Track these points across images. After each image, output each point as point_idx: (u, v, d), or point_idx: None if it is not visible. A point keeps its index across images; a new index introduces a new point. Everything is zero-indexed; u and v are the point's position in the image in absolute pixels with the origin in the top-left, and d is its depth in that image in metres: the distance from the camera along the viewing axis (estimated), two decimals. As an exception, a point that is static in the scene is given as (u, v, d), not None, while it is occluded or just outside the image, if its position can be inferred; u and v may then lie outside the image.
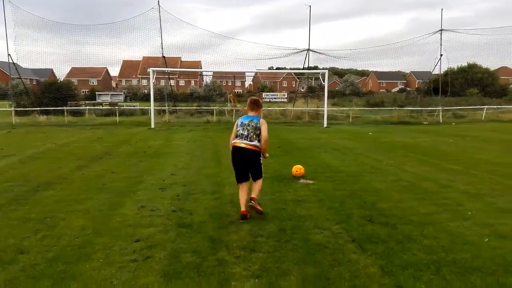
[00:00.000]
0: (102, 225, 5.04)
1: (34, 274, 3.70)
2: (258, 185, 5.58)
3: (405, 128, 21.31)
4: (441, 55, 29.24)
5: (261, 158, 5.63)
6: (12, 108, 26.06)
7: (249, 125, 5.44)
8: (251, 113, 5.62)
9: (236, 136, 5.48)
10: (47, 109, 26.53)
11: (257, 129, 5.42)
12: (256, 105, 5.69)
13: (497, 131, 18.92)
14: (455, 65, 48.48)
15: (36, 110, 26.68)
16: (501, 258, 3.94)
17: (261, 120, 5.55)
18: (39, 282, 3.53)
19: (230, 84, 65.61)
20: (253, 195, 5.44)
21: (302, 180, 7.65)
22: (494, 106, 30.29)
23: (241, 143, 5.40)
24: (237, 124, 5.58)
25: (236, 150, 5.46)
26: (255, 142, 5.40)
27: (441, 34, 29.13)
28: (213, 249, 4.21)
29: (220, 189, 6.95)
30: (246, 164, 5.51)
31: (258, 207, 5.36)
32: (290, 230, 4.81)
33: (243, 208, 5.35)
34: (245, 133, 5.42)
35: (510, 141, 14.27)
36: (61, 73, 36.31)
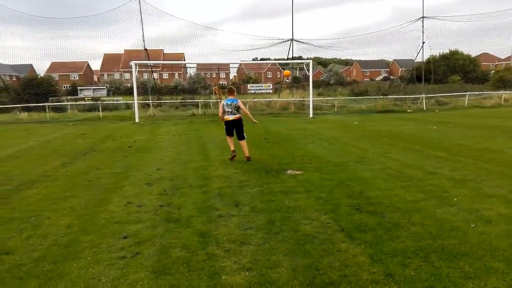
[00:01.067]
0: (89, 223, 4.96)
1: (20, 274, 3.63)
2: (244, 145, 8.99)
3: (389, 116, 21.51)
4: (423, 42, 29.56)
5: (243, 124, 9.07)
6: (-8, 106, 25.50)
7: (231, 105, 8.92)
8: (230, 97, 9.05)
9: (225, 112, 8.95)
10: (28, 106, 26.01)
11: (237, 107, 8.92)
12: (232, 91, 9.27)
13: (480, 117, 19.23)
14: (437, 52, 49.12)
15: (17, 107, 26.15)
16: (488, 243, 4.00)
17: (239, 101, 9.06)
18: (26, 283, 3.47)
19: (214, 76, 65.29)
20: (247, 154, 8.89)
21: (289, 171, 7.65)
22: (476, 93, 30.76)
23: (230, 117, 8.94)
24: (223, 105, 8.98)
25: (229, 122, 8.98)
26: (237, 114, 8.96)
27: (422, 21, 29.40)
28: (202, 244, 4.19)
29: (208, 183, 6.91)
30: (235, 127, 9.02)
31: (249, 159, 8.81)
32: (279, 222, 4.81)
33: (232, 148, 9.00)
34: (230, 110, 8.92)
35: (493, 127, 14.52)
36: (41, 69, 35.72)
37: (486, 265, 3.53)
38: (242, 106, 9.00)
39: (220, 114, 9.17)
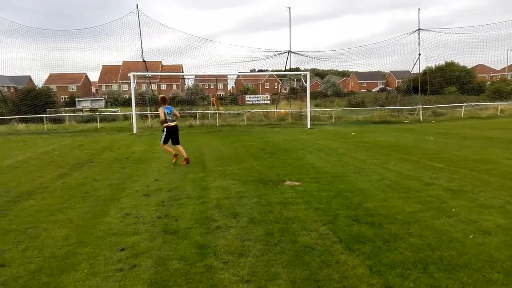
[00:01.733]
0: (86, 235, 4.94)
1: (16, 287, 3.59)
2: (182, 149, 10.45)
3: (386, 127, 21.59)
4: (419, 54, 29.70)
5: None
6: (-11, 117, 25.45)
7: (171, 114, 10.35)
8: (166, 106, 10.34)
9: (167, 120, 10.19)
10: (25, 117, 25.95)
11: (174, 114, 10.42)
12: (165, 100, 10.56)
13: (476, 128, 19.32)
14: (433, 64, 49.39)
15: (15, 118, 26.08)
16: (486, 254, 4.00)
17: (173, 108, 10.54)
18: (22, 296, 3.43)
19: (212, 87, 65.49)
20: (186, 156, 10.34)
21: (288, 182, 7.65)
22: (473, 104, 30.92)
23: (173, 123, 10.33)
24: (165, 113, 10.16)
25: (172, 127, 10.31)
26: (175, 121, 10.46)
27: (418, 33, 29.59)
28: (200, 255, 4.17)
29: (206, 194, 6.90)
30: (176, 133, 10.43)
31: (189, 161, 10.28)
32: (278, 233, 4.79)
33: (185, 156, 10.35)
34: (171, 118, 10.31)
35: (489, 138, 14.58)
36: (39, 80, 35.69)
37: (485, 277, 3.52)
38: (176, 112, 10.64)
39: (162, 119, 10.28)
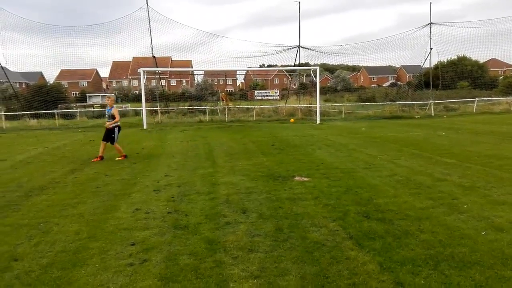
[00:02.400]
0: (97, 229, 4.98)
1: (29, 281, 3.64)
2: (104, 146, 10.72)
3: (397, 122, 21.41)
4: (431, 48, 29.41)
5: None
6: (2, 113, 25.78)
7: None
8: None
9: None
10: (37, 113, 26.24)
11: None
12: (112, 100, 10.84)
13: (489, 123, 19.07)
14: (445, 58, 48.75)
15: (26, 114, 26.41)
16: (499, 251, 3.95)
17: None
18: (34, 290, 3.47)
19: (221, 83, 65.56)
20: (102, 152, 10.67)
21: (297, 178, 7.63)
22: (485, 99, 30.51)
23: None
24: (119, 114, 10.38)
25: (120, 126, 10.69)
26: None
27: (430, 27, 29.31)
28: (210, 251, 4.18)
29: (215, 189, 6.91)
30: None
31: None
32: (287, 229, 4.78)
33: (124, 153, 10.66)
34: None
35: (502, 133, 14.38)
36: (50, 76, 36.06)
37: (498, 274, 3.48)
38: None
39: (118, 119, 10.49)
